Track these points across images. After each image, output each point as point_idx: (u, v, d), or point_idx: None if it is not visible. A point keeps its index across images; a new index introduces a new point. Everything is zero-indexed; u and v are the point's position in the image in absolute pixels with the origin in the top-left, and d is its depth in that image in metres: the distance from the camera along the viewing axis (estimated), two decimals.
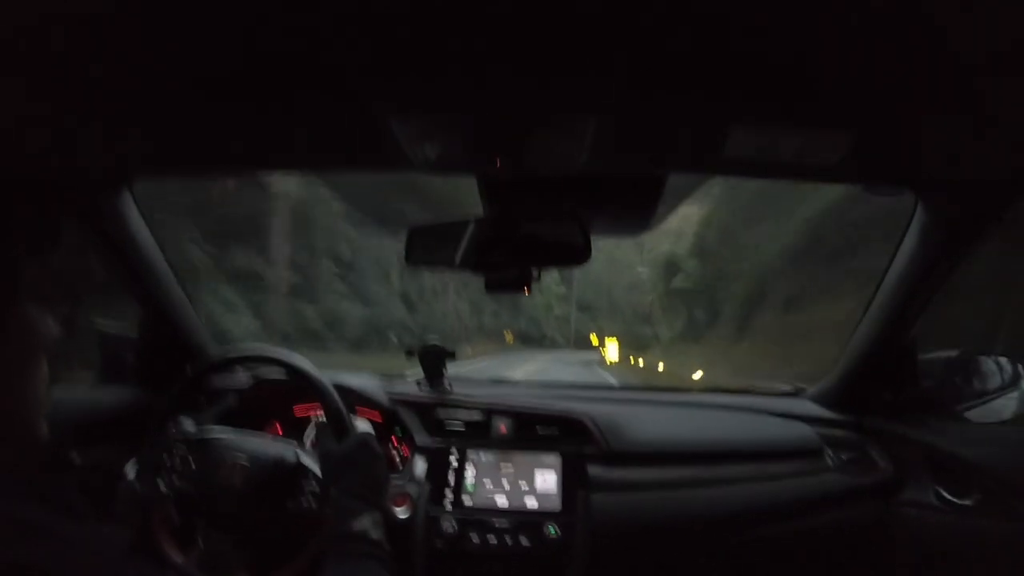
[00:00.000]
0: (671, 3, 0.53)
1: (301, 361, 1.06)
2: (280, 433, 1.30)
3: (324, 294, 10.47)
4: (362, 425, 0.98)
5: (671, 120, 0.78)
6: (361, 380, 1.34)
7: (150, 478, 0.99)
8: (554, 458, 1.21)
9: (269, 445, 1.02)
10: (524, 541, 1.11)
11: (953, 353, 1.29)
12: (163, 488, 0.98)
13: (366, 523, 0.81)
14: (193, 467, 0.99)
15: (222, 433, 1.03)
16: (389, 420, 1.30)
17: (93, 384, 1.36)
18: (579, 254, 1.03)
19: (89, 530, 0.51)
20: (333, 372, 1.20)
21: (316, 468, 0.98)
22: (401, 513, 1.15)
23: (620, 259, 29.97)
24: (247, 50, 0.62)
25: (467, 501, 1.17)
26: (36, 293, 0.52)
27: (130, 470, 1.01)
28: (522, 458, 1.22)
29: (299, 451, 1.01)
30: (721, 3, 0.53)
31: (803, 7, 0.53)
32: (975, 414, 1.23)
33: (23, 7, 0.51)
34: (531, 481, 1.19)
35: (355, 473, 0.88)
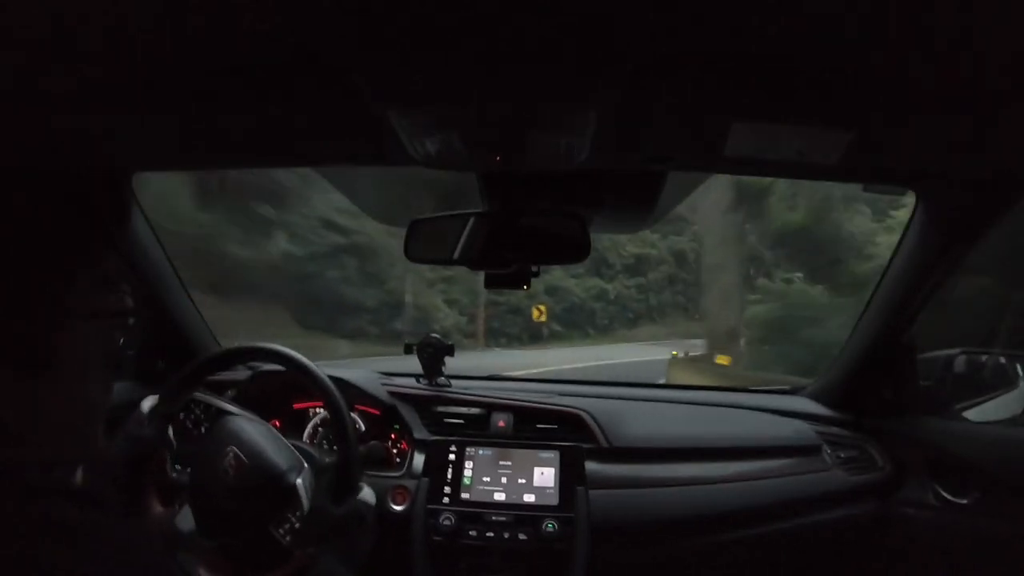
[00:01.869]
0: (671, 5, 0.53)
1: (301, 357, 1.06)
2: (279, 427, 1.30)
3: None
4: (366, 493, 0.96)
5: (673, 117, 0.77)
6: (360, 375, 1.35)
7: (162, 423, 0.99)
8: (552, 454, 1.21)
9: (279, 454, 0.98)
10: (522, 536, 1.12)
11: (953, 352, 1.29)
12: (170, 436, 0.98)
13: None
14: (201, 432, 0.98)
15: (244, 415, 1.02)
16: (388, 415, 1.30)
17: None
18: (579, 251, 1.03)
19: (122, 527, 0.51)
20: (331, 367, 1.21)
21: (307, 501, 0.94)
22: (399, 507, 1.16)
23: None
24: (247, 44, 0.62)
25: (465, 496, 1.17)
26: (101, 305, 0.51)
27: (146, 404, 1.00)
28: (520, 453, 1.22)
29: (301, 479, 0.96)
30: (724, 1, 0.53)
31: (806, 6, 0.53)
32: (974, 413, 1.23)
33: (22, 5, 0.51)
34: (529, 476, 1.19)
35: (343, 541, 0.89)
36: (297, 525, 0.93)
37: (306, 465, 0.98)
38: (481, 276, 1.13)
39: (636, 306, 14.44)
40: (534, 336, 12.16)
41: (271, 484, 0.94)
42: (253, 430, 1.00)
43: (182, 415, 1.01)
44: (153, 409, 1.01)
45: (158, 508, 0.96)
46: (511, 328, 11.86)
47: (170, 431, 0.99)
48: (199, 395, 1.03)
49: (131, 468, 0.95)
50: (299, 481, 0.95)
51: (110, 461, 0.91)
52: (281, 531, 0.93)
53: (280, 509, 0.94)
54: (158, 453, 0.97)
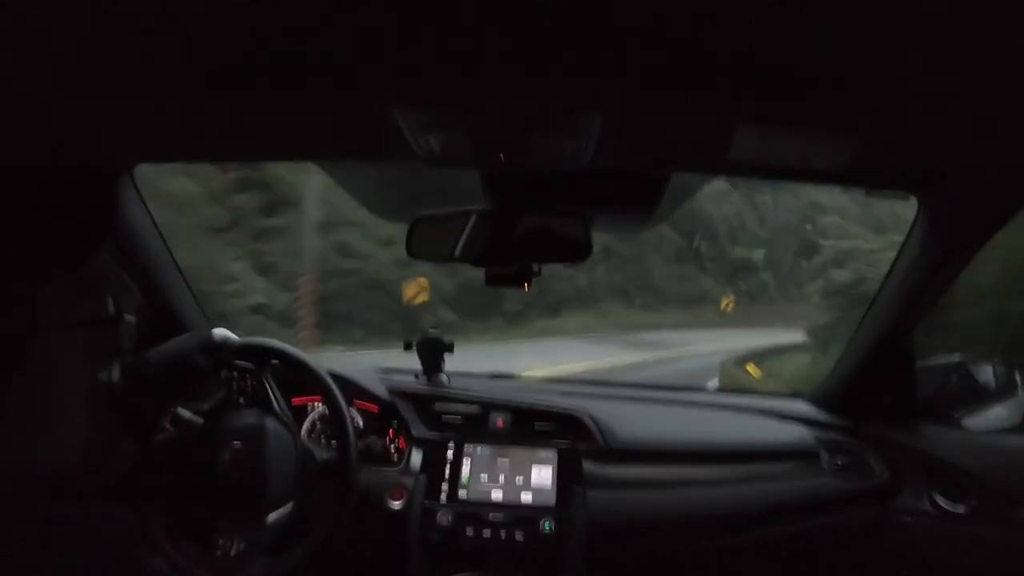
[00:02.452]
0: (682, 3, 0.52)
1: (302, 354, 1.06)
2: None
3: None
4: None
5: (678, 119, 0.77)
6: (359, 372, 1.34)
7: (220, 362, 1.01)
8: (551, 453, 1.21)
9: (278, 476, 1.00)
10: (519, 536, 1.12)
11: (953, 359, 1.29)
12: (228, 376, 1.01)
13: None
14: (238, 403, 1.01)
15: (282, 418, 1.03)
16: (386, 412, 1.30)
17: None
18: (580, 251, 1.03)
19: (99, 516, 0.51)
20: (329, 362, 1.20)
21: (264, 537, 0.96)
22: (396, 504, 1.16)
23: None
24: (253, 38, 0.62)
25: (463, 494, 1.17)
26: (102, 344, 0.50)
27: (219, 333, 1.01)
28: (519, 453, 1.22)
29: (275, 516, 0.98)
30: (731, 5, 0.53)
31: (811, 11, 0.53)
32: (972, 422, 1.23)
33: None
34: (527, 476, 1.19)
35: None
36: (242, 547, 0.95)
37: (291, 504, 0.99)
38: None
39: (560, 287, 10.02)
40: (409, 328, 7.08)
41: (246, 501, 0.96)
42: (274, 438, 1.00)
43: (236, 374, 1.03)
44: (226, 341, 1.00)
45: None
46: (369, 313, 7.05)
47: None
48: (264, 375, 1.05)
49: (165, 382, 0.94)
50: (271, 519, 0.97)
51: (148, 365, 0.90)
52: (222, 540, 0.95)
53: (238, 521, 0.96)
54: (195, 385, 0.98)
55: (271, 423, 1.01)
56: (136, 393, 0.89)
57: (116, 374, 0.87)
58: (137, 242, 1.20)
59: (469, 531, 1.13)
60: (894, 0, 0.50)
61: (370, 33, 0.59)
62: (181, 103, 0.78)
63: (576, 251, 1.03)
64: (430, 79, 0.67)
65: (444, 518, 1.13)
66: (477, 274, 1.09)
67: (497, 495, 1.17)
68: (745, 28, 0.56)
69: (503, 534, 1.12)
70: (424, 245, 1.11)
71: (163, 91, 0.74)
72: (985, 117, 0.70)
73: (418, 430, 1.27)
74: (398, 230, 1.10)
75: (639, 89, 0.66)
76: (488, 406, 1.31)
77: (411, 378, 1.39)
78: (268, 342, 1.10)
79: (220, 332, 1.00)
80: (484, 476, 1.19)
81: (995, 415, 1.23)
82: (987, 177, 0.87)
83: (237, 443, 0.99)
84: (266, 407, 1.03)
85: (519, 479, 1.19)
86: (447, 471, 1.20)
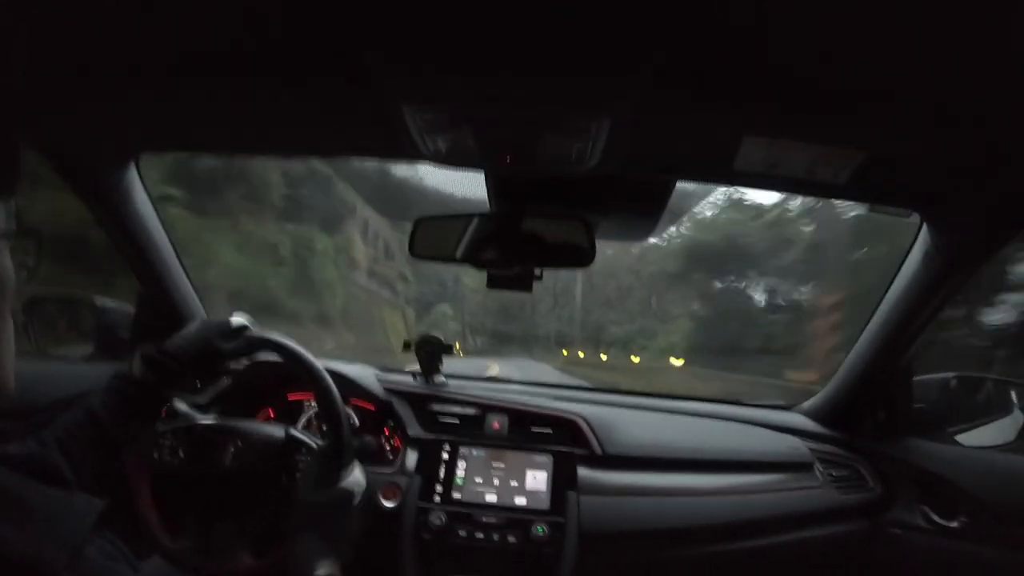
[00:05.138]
0: (695, 16, 0.53)
1: (299, 348, 1.06)
2: (273, 417, 1.30)
3: None
4: (357, 474, 0.94)
5: (685, 128, 0.78)
6: (356, 369, 1.34)
7: (244, 348, 0.97)
8: (546, 458, 1.21)
9: (258, 426, 1.01)
10: (511, 538, 1.11)
11: (947, 376, 1.30)
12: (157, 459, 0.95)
13: (325, 571, 0.81)
14: (182, 456, 0.97)
15: (209, 420, 1.01)
16: (382, 410, 1.29)
17: (87, 359, 1.35)
18: (583, 256, 1.03)
19: (60, 500, 0.51)
20: (328, 359, 1.20)
21: (309, 441, 0.98)
22: (390, 504, 1.15)
23: None
24: (264, 31, 0.62)
25: (457, 495, 1.17)
26: None
27: (237, 319, 0.97)
28: (514, 456, 1.22)
29: (289, 428, 0.99)
30: (743, 19, 0.53)
31: (824, 28, 0.54)
32: (966, 438, 1.24)
33: None
34: (522, 479, 1.19)
35: (330, 524, 0.87)
36: (234, 538, 0.94)
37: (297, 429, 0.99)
38: None
39: None
40: None
41: (269, 447, 0.97)
42: (227, 422, 1.00)
43: (157, 448, 0.98)
44: (244, 328, 0.95)
45: (169, 542, 0.94)
46: None
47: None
48: (160, 423, 0.99)
49: (189, 372, 0.91)
50: (290, 431, 0.99)
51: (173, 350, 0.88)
52: (297, 476, 0.95)
53: (288, 460, 0.97)
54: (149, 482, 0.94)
55: (215, 419, 1.00)
56: (160, 385, 0.87)
57: (138, 366, 0.86)
58: (139, 230, 1.20)
59: (462, 532, 1.12)
60: (908, 22, 0.51)
61: (381, 31, 0.59)
62: (189, 93, 0.78)
63: (579, 256, 1.03)
64: (439, 79, 0.67)
65: (437, 518, 1.13)
66: None
67: (491, 497, 1.17)
68: (759, 40, 0.57)
69: (496, 536, 1.12)
70: (427, 245, 1.11)
71: (171, 80, 0.74)
72: (994, 137, 0.71)
73: (414, 430, 1.27)
74: None
75: (649, 98, 0.67)
76: (485, 408, 1.31)
77: (409, 378, 1.39)
78: (270, 335, 1.09)
79: (238, 319, 0.99)
80: (479, 478, 1.19)
81: (988, 432, 1.24)
82: (990, 197, 0.88)
83: (219, 440, 0.98)
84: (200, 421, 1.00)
85: (513, 482, 1.18)
86: (442, 472, 1.20)
